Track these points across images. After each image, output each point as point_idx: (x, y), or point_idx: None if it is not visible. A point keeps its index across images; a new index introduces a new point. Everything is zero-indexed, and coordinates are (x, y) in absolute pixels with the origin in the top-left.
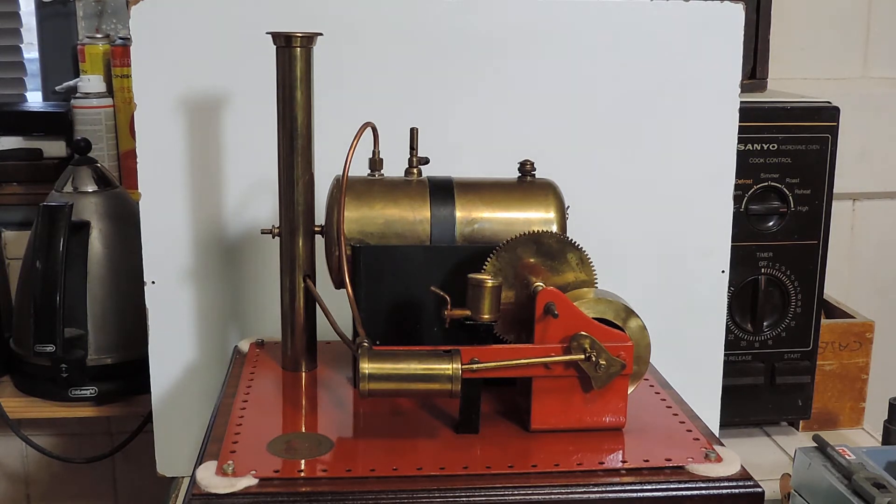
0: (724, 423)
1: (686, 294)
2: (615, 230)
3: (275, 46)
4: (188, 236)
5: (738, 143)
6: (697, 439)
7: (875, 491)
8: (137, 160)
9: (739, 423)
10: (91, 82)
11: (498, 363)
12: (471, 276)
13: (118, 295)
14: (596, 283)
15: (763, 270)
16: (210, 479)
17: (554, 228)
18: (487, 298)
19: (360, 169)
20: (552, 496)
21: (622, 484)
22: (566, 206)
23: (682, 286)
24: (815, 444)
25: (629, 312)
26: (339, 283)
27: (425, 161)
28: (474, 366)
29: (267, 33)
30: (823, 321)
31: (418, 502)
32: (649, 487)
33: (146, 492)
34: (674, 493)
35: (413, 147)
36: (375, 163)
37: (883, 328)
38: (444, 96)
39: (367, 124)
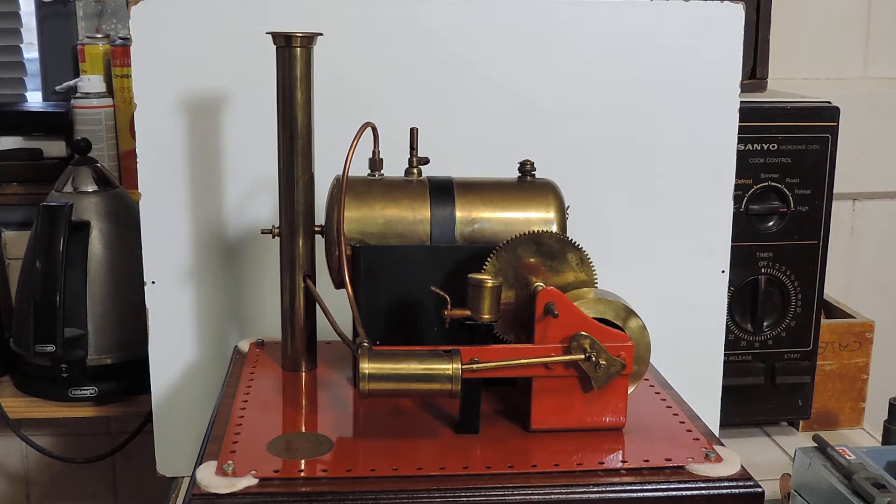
0: (724, 423)
1: (686, 294)
2: (615, 230)
3: (275, 46)
4: (188, 236)
5: (738, 143)
6: (697, 439)
7: (875, 491)
8: (137, 160)
9: (739, 423)
10: (91, 82)
11: (498, 363)
12: (471, 276)
13: (118, 295)
14: (596, 283)
15: (763, 270)
16: (210, 479)
17: (554, 228)
18: (487, 298)
19: (360, 169)
20: (552, 496)
21: (622, 484)
22: (566, 206)
23: (682, 286)
24: (815, 444)
25: (629, 312)
26: (339, 283)
27: (425, 161)
28: (474, 366)
29: (267, 33)
30: (823, 321)
31: (418, 502)
32: (649, 487)
33: (146, 492)
34: (674, 493)
35: (413, 147)
36: (375, 163)
37: (883, 328)
38: (444, 96)
39: (367, 124)
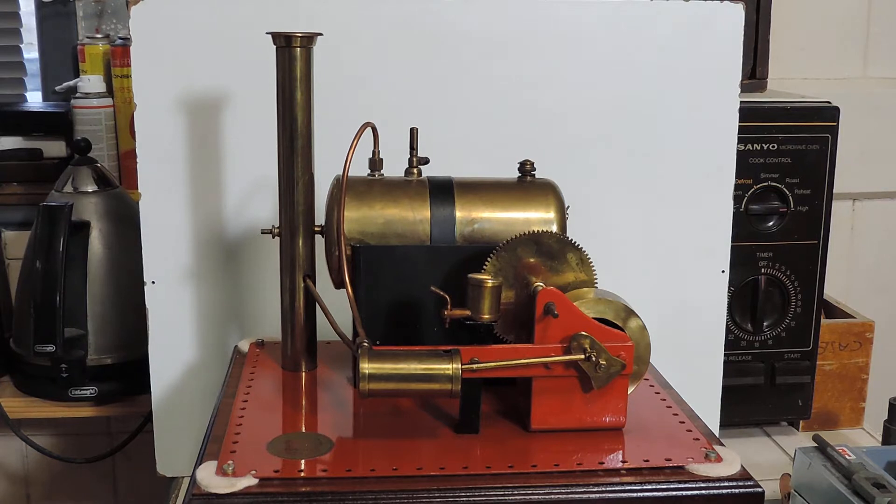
0: (724, 423)
1: (686, 294)
2: (615, 230)
3: (275, 46)
4: (188, 236)
5: (738, 143)
6: (697, 439)
7: (875, 491)
8: (137, 160)
9: (739, 423)
10: (91, 82)
11: (498, 363)
12: (471, 276)
13: (118, 295)
14: (596, 283)
15: (763, 270)
16: (210, 479)
17: (554, 228)
18: (487, 298)
19: (360, 169)
20: (552, 496)
21: (622, 484)
22: (566, 206)
23: (682, 286)
24: (815, 444)
25: (629, 312)
26: (339, 283)
27: (425, 161)
28: (474, 366)
29: (267, 33)
30: (823, 321)
31: (418, 502)
32: (649, 487)
33: (146, 492)
34: (674, 493)
35: (413, 147)
36: (375, 163)
37: (883, 328)
38: (444, 96)
39: (367, 124)
